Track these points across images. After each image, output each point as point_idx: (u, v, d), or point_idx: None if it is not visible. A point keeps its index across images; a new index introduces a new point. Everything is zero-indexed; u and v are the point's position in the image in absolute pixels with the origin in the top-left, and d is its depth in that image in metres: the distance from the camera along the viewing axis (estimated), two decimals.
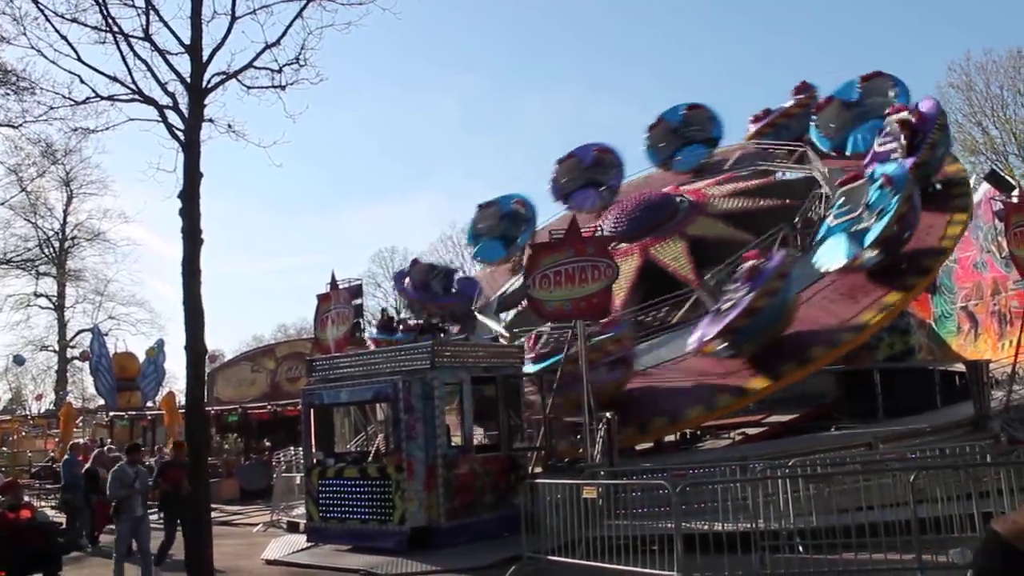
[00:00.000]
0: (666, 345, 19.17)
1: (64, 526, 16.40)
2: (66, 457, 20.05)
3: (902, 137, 19.07)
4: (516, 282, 24.86)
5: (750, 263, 16.99)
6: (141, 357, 38.12)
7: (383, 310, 30.75)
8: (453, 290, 25.97)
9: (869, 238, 17.19)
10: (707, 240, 22.09)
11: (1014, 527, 3.78)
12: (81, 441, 25.83)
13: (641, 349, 18.73)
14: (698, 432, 19.57)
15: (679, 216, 23.33)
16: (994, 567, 3.52)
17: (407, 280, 26.05)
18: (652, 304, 20.45)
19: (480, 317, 24.93)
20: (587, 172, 27.04)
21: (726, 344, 16.85)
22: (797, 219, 20.48)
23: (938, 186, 20.09)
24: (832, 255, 17.98)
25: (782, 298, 16.60)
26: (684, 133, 26.85)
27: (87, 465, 17.82)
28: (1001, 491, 10.49)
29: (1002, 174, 28.21)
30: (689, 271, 21.15)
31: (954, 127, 43.35)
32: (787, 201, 23.07)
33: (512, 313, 26.00)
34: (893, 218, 16.81)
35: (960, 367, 20.00)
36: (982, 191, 24.70)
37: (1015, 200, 19.50)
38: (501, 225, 26.79)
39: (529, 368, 17.02)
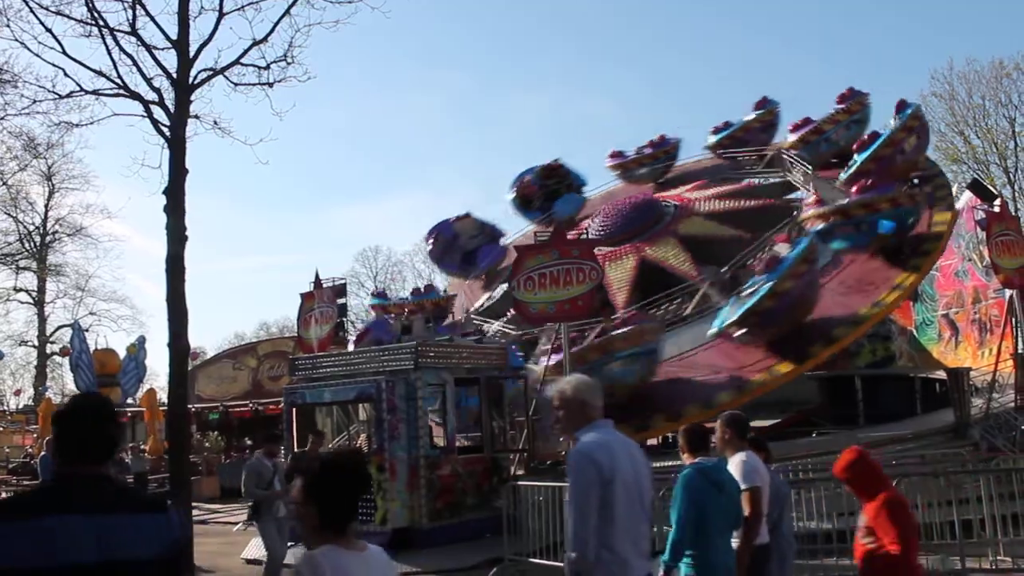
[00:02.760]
0: (679, 337, 19.10)
1: None
2: (43, 454, 19.83)
3: None
4: (495, 294, 25.05)
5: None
6: (122, 354, 37.86)
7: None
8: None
9: (736, 313, 16.96)
10: (700, 238, 22.18)
11: None
12: None
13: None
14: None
15: (667, 218, 23.42)
16: None
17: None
18: (656, 299, 20.49)
19: (476, 319, 25.01)
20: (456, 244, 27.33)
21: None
22: (796, 213, 20.68)
23: (916, 181, 20.30)
24: (720, 317, 17.81)
25: (807, 281, 16.82)
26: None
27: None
28: (980, 498, 10.59)
29: (984, 184, 28.45)
30: (690, 267, 21.23)
31: (936, 136, 43.76)
32: (768, 201, 23.42)
33: (495, 295, 25.96)
34: (764, 297, 16.49)
35: (941, 374, 20.16)
36: (964, 200, 24.90)
37: (996, 209, 19.70)
38: None
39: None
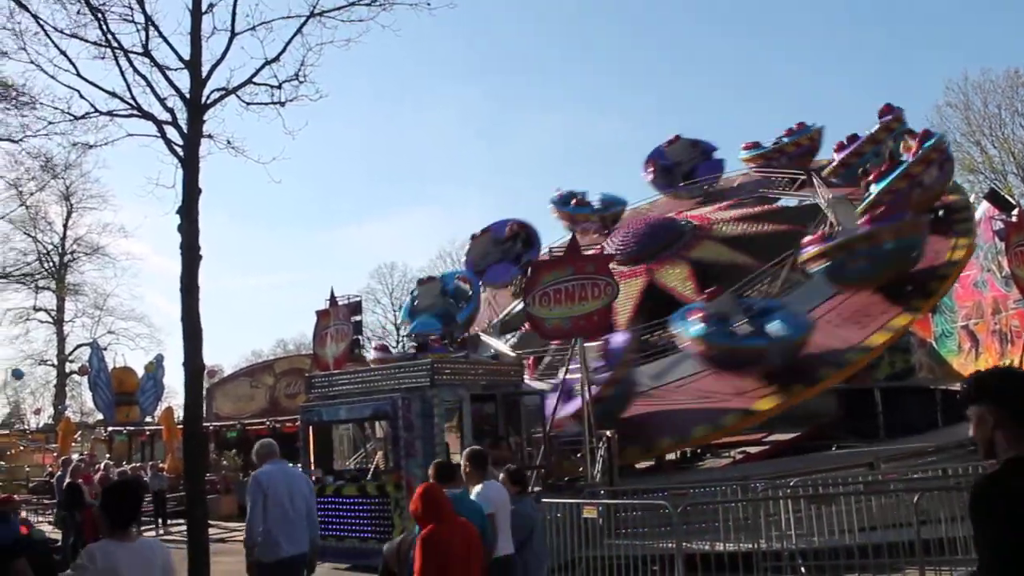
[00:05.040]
0: (673, 366, 19.07)
1: (60, 543, 16.25)
2: (59, 473, 19.87)
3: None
4: (518, 305, 24.92)
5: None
6: (140, 372, 38.00)
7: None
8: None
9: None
10: (711, 263, 22.13)
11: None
12: (76, 456, 25.66)
13: (645, 370, 18.78)
14: (698, 451, 19.48)
15: (683, 240, 23.34)
16: None
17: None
18: (654, 324, 20.33)
19: (484, 337, 24.95)
20: (501, 247, 27.31)
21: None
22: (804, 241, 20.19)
23: (940, 212, 19.95)
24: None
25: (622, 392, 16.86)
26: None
27: (67, 479, 17.48)
28: None
29: (1001, 193, 28.23)
30: (693, 293, 21.09)
31: (952, 146, 43.51)
32: (789, 226, 23.16)
33: (516, 335, 25.99)
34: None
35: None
36: (982, 210, 24.68)
37: (1015, 219, 19.51)
38: (440, 302, 24.76)
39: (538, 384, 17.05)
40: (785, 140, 26.98)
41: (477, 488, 7.34)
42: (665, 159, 28.61)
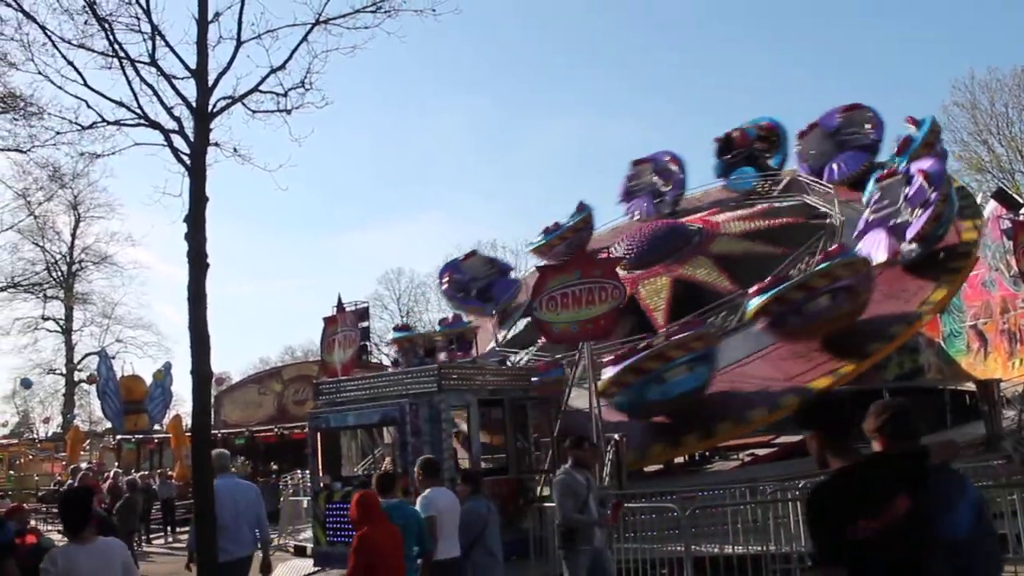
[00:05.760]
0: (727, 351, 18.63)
1: None
2: (69, 482, 19.92)
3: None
4: (518, 325, 24.98)
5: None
6: (148, 380, 38.11)
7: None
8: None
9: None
10: (732, 257, 21.85)
11: None
12: (84, 465, 25.74)
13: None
14: (706, 453, 19.44)
15: (695, 240, 23.11)
16: None
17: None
18: (702, 312, 19.51)
19: (489, 327, 25.00)
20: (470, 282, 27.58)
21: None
22: (827, 225, 19.58)
23: (941, 255, 18.75)
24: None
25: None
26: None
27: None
28: (1016, 512, 10.38)
29: (1009, 192, 28.21)
30: (726, 281, 20.84)
31: (959, 145, 43.53)
32: (798, 219, 23.00)
33: (512, 332, 25.88)
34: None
35: (970, 386, 19.88)
36: (989, 209, 24.63)
37: (1022, 218, 19.44)
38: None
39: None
40: (575, 219, 27.28)
41: (425, 492, 8.17)
42: (461, 273, 27.70)
